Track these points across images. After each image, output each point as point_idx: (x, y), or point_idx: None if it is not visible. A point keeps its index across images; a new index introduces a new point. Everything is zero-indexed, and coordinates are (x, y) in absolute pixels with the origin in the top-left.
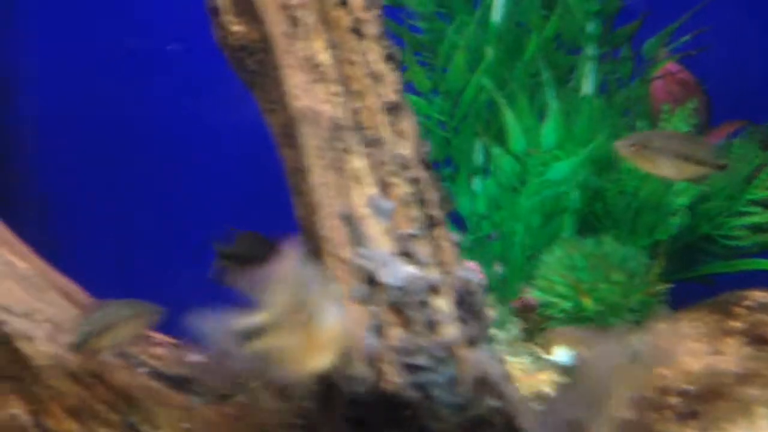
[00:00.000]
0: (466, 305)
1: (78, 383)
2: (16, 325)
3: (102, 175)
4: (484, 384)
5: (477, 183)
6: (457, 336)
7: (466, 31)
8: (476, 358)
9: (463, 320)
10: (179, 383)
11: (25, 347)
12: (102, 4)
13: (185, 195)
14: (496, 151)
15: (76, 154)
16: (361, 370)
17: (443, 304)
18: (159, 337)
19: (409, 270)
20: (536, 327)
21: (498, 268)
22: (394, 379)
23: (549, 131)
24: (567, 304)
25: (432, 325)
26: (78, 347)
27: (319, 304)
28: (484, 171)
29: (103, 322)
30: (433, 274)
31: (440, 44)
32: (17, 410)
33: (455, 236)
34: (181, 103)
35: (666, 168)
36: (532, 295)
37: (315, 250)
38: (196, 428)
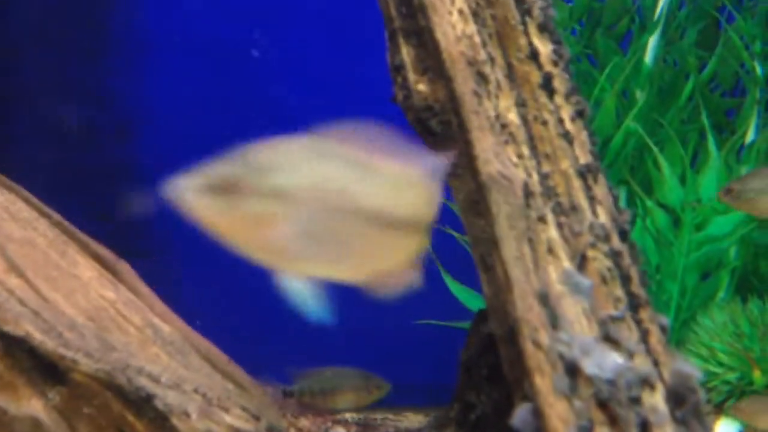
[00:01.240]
0: (685, 404)
1: None
2: (169, 399)
3: None
4: None
5: None
6: None
7: (617, 74)
8: None
9: (682, 422)
10: None
11: (180, 425)
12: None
13: None
14: (649, 203)
15: None
16: None
17: (658, 401)
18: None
19: (616, 359)
20: None
21: None
22: None
23: (709, 182)
24: (731, 376)
25: (645, 426)
26: (291, 395)
27: None
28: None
29: (327, 384)
30: (644, 365)
31: (586, 87)
32: None
33: (664, 320)
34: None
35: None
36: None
37: (508, 332)
38: None
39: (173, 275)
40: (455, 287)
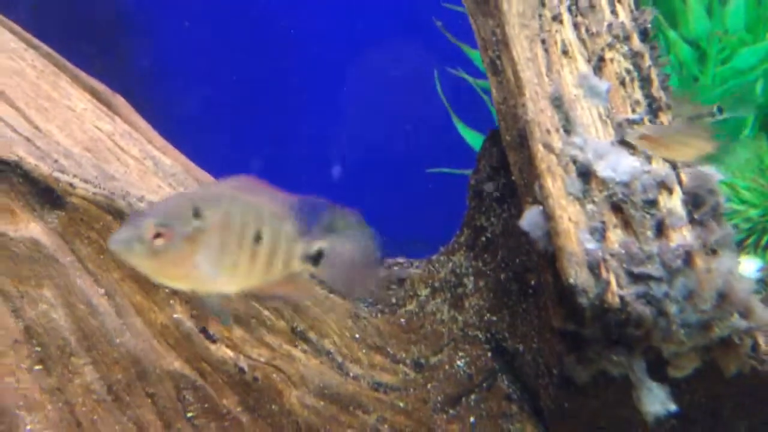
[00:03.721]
0: (704, 206)
1: None
2: None
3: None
4: (728, 300)
5: None
6: (692, 242)
7: None
8: (718, 269)
9: (700, 224)
10: None
11: None
12: None
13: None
14: (673, 36)
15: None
16: (582, 278)
17: (675, 203)
18: None
19: (631, 162)
20: None
21: None
22: (620, 290)
23: (736, 12)
24: (754, 212)
25: (661, 229)
26: None
27: None
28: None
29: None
30: (661, 169)
31: None
32: (181, 315)
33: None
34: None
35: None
36: None
37: (518, 137)
38: (365, 338)
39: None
40: (468, 134)
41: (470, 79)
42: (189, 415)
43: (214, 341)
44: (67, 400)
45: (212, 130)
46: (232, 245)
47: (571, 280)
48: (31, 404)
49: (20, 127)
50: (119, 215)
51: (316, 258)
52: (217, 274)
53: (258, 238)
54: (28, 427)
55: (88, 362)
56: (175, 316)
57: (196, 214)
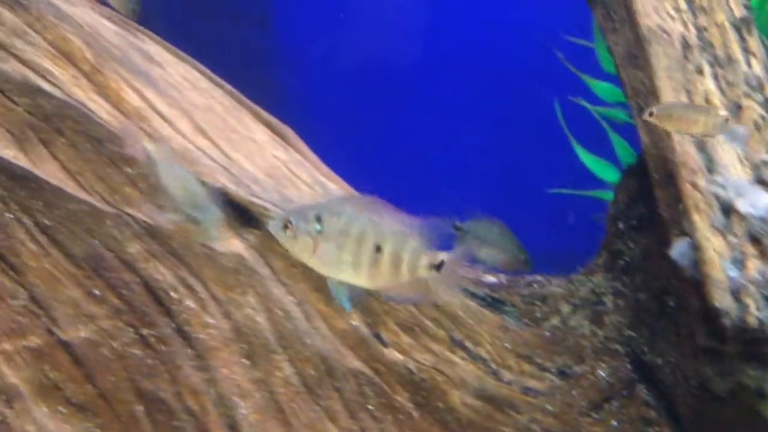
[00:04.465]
0: None
1: None
2: None
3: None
4: None
5: None
6: None
7: None
8: None
9: None
10: (491, 304)
11: None
12: None
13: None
14: None
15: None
16: (725, 302)
17: None
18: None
19: None
20: None
21: None
22: (758, 313)
23: None
24: None
25: None
26: (460, 230)
27: None
28: None
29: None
30: None
31: None
32: (357, 322)
33: None
34: None
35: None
36: None
37: (666, 177)
38: (514, 347)
39: None
40: (586, 157)
41: (590, 107)
42: (369, 407)
43: (386, 345)
44: (271, 390)
45: (357, 156)
46: (349, 248)
47: (716, 304)
48: (243, 392)
49: (217, 156)
50: None
51: (439, 266)
52: (336, 267)
53: (378, 249)
54: (242, 411)
55: (285, 359)
56: (352, 322)
57: (318, 218)
